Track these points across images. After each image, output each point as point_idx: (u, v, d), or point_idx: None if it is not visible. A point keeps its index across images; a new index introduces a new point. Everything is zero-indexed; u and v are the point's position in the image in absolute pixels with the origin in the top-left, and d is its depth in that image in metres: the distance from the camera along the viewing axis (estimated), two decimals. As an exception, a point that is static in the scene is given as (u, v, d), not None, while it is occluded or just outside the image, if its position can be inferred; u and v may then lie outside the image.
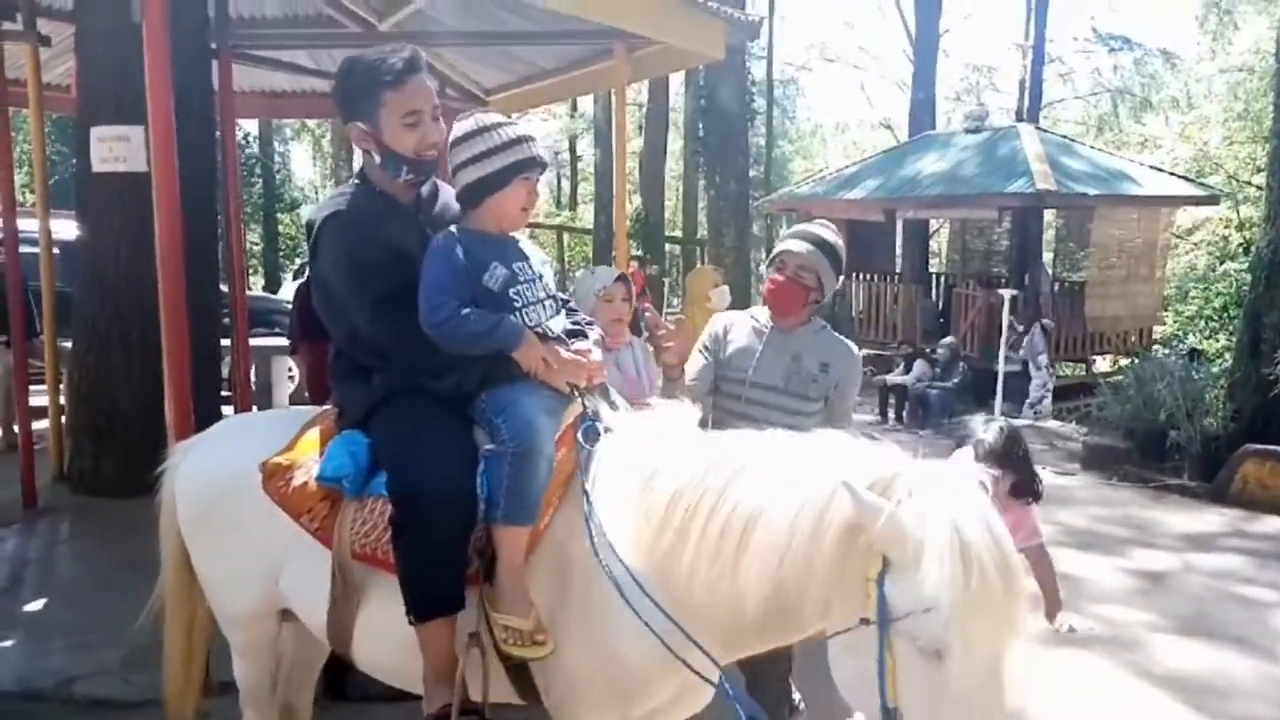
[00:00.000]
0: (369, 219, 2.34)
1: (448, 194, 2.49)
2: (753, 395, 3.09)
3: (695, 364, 3.19)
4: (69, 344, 6.35)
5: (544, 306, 2.38)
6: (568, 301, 2.59)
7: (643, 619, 1.99)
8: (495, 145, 2.27)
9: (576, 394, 2.31)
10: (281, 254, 30.90)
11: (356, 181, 2.48)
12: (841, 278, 3.20)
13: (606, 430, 2.29)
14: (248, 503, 2.45)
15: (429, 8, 6.72)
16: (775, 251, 3.17)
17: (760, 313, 3.25)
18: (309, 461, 2.43)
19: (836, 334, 3.27)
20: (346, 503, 2.34)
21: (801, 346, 3.13)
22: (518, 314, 2.30)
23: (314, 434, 2.52)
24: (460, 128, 2.33)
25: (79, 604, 4.50)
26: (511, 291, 2.31)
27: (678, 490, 1.99)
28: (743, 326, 3.20)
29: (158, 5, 3.38)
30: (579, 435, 2.26)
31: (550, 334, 2.33)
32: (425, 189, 2.48)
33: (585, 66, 7.29)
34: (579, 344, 2.39)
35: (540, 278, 2.42)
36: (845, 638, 1.74)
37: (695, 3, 5.73)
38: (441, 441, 2.24)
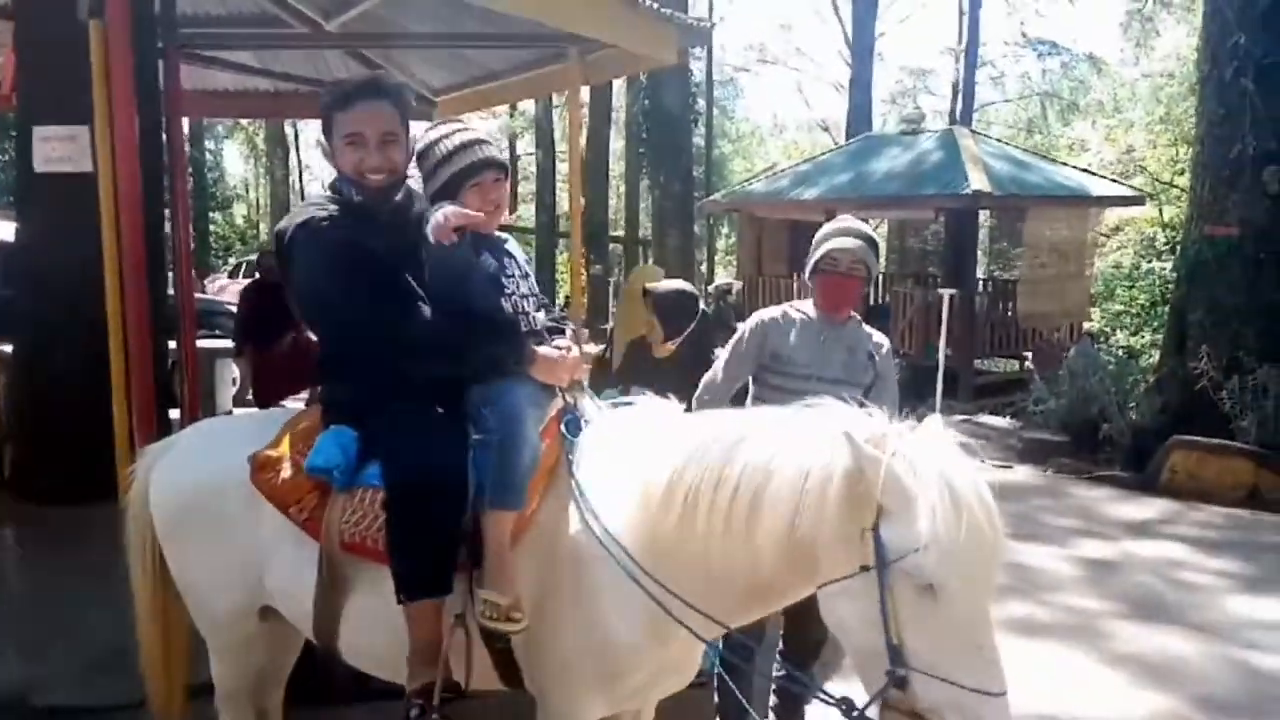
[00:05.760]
0: (342, 222, 2.40)
1: (423, 203, 2.53)
2: (819, 390, 3.16)
3: (734, 358, 3.30)
4: (9, 348, 6.19)
5: (529, 301, 2.50)
6: (546, 302, 2.68)
7: (649, 594, 2.09)
8: (440, 157, 2.42)
9: (559, 389, 2.43)
10: (214, 254, 30.35)
11: (328, 193, 2.54)
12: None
13: (588, 422, 2.41)
14: (233, 500, 2.47)
15: (378, 8, 6.66)
16: (824, 251, 3.20)
17: (803, 307, 3.32)
18: (297, 455, 2.46)
19: (866, 325, 3.39)
20: (336, 494, 2.38)
21: (852, 339, 3.26)
22: (509, 299, 2.42)
23: (300, 430, 2.54)
24: (418, 141, 2.45)
25: (26, 612, 4.39)
26: (503, 278, 2.44)
27: (676, 472, 2.06)
28: (791, 323, 3.27)
29: (120, 4, 3.35)
30: (563, 427, 2.37)
31: (535, 327, 2.46)
32: (399, 196, 2.52)
33: (537, 69, 7.27)
34: (560, 340, 2.49)
35: (527, 276, 2.54)
36: (839, 584, 1.86)
37: (648, 8, 5.79)
38: (436, 432, 2.32)
